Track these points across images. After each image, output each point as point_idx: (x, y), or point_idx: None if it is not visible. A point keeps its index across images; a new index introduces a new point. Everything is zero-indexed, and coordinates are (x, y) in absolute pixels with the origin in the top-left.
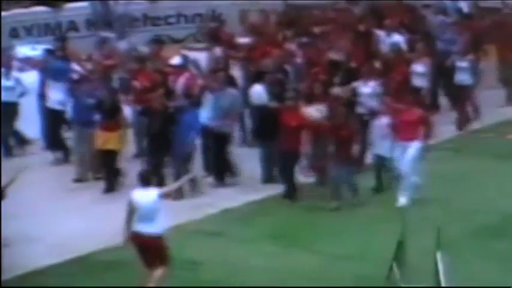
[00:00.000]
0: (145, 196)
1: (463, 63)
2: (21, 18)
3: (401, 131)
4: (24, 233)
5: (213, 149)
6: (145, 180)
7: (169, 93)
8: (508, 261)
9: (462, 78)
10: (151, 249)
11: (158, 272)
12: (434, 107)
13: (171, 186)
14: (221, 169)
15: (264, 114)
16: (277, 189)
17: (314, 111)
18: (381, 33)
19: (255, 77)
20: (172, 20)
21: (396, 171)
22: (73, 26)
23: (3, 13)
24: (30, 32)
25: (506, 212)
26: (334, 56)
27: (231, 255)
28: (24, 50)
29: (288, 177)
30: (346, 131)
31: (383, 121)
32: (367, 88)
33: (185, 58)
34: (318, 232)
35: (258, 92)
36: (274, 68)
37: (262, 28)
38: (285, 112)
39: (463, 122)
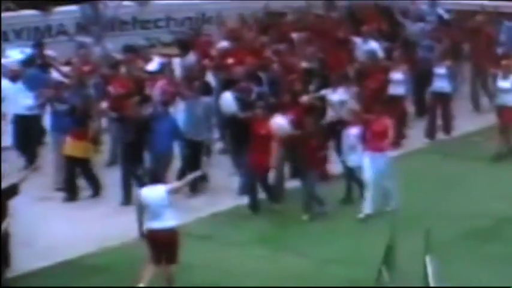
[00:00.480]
0: (154, 193)
1: (440, 70)
2: (10, 22)
3: (370, 141)
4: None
5: (187, 157)
6: (153, 178)
7: (146, 100)
8: (498, 264)
9: (440, 85)
10: (165, 245)
11: (170, 270)
12: (421, 113)
13: (180, 182)
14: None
15: (234, 123)
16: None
17: (281, 121)
18: (357, 40)
19: (226, 84)
20: (161, 23)
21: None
22: (63, 30)
23: None
24: (20, 35)
25: (496, 215)
26: (307, 63)
27: (221, 258)
28: (14, 53)
29: (252, 188)
30: (314, 140)
31: (352, 131)
32: (336, 95)
33: (163, 64)
34: (306, 236)
35: (227, 100)
36: (245, 76)
37: (239, 34)
38: (254, 122)
39: (432, 130)
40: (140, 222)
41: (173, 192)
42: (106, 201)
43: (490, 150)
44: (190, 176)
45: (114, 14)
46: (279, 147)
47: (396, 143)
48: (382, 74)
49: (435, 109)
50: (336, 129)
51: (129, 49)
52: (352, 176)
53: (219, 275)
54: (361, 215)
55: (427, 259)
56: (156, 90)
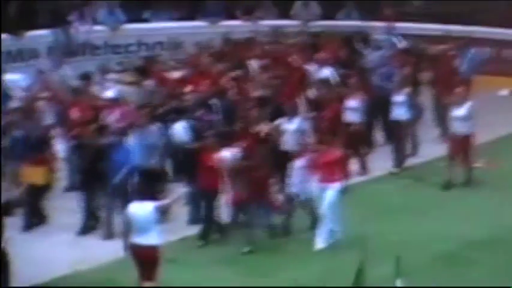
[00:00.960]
0: (141, 209)
1: (399, 98)
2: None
3: (321, 172)
4: None
5: (139, 185)
6: (141, 194)
7: (103, 128)
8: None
9: (398, 113)
10: (148, 261)
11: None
12: (368, 142)
13: (169, 200)
14: None
15: (184, 153)
16: None
17: (228, 152)
18: (311, 67)
19: (178, 113)
20: (133, 48)
21: (312, 213)
22: (35, 54)
23: None
24: None
25: (465, 238)
26: (261, 91)
27: (187, 280)
28: None
29: (205, 218)
30: (262, 171)
31: (300, 162)
32: (291, 125)
33: (119, 91)
34: (274, 260)
35: (178, 129)
36: (197, 104)
37: (196, 61)
38: (202, 152)
39: (400, 158)
40: (126, 237)
41: (161, 209)
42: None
43: (456, 175)
44: (178, 195)
45: (86, 39)
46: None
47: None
48: (337, 103)
49: (394, 137)
50: (288, 159)
51: (85, 76)
52: (298, 208)
53: None
54: (316, 247)
55: (398, 283)
56: (112, 117)
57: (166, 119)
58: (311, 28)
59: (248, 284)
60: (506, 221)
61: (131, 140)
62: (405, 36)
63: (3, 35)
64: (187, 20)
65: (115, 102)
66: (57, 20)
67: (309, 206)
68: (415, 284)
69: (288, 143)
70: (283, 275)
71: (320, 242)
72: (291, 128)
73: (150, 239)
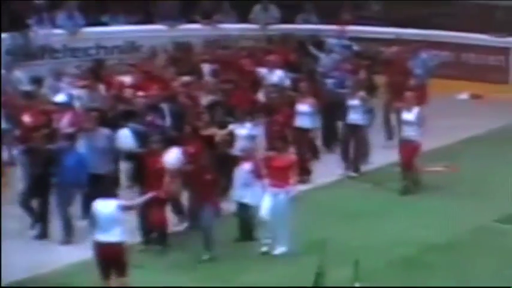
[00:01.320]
0: (105, 206)
1: (354, 102)
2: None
3: (272, 177)
4: None
5: (89, 191)
6: (106, 191)
7: (53, 133)
8: None
9: (354, 117)
10: (110, 258)
11: (117, 283)
12: (327, 146)
13: (133, 201)
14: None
15: (132, 158)
16: None
17: (173, 154)
18: (262, 70)
19: (127, 117)
20: (91, 51)
21: (260, 219)
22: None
23: None
24: None
25: (421, 243)
26: (212, 96)
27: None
28: None
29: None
30: (208, 175)
31: (246, 167)
32: (244, 130)
33: (71, 96)
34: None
35: (124, 136)
36: (146, 108)
37: (147, 65)
38: (148, 156)
39: (358, 162)
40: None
41: (124, 209)
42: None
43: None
44: (144, 197)
45: (45, 42)
46: (173, 182)
47: (304, 177)
48: (288, 107)
49: (349, 141)
50: (228, 164)
51: (36, 80)
52: (244, 213)
53: None
54: (277, 252)
55: (356, 286)
56: (63, 123)
57: (116, 123)
58: (270, 31)
59: None
60: (464, 225)
61: (81, 145)
62: (363, 39)
63: None
64: (145, 24)
65: (65, 106)
66: (16, 23)
67: (250, 214)
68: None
69: (239, 148)
70: (242, 280)
71: (281, 247)
72: (243, 133)
73: (114, 236)
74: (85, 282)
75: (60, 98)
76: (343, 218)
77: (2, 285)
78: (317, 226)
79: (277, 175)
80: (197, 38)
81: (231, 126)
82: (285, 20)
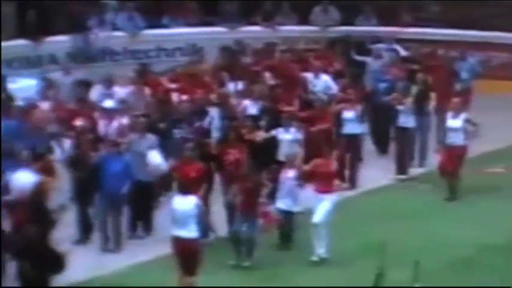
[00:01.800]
0: (184, 202)
1: (403, 106)
2: (1, 52)
3: (317, 183)
4: None
5: (134, 199)
6: (185, 188)
7: (99, 139)
8: None
9: (403, 120)
10: (187, 254)
11: (187, 281)
12: (379, 150)
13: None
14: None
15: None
16: None
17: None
18: (308, 75)
19: (173, 123)
20: (152, 53)
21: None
22: (53, 60)
23: None
24: (11, 65)
25: (481, 244)
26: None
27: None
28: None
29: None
30: (251, 181)
31: (290, 174)
32: (288, 135)
33: (120, 101)
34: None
35: (154, 160)
36: (190, 114)
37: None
38: (182, 165)
39: (405, 165)
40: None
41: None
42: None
43: (477, 180)
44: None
45: (105, 45)
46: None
47: (349, 183)
48: (333, 113)
49: (399, 144)
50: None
51: (84, 84)
52: (287, 221)
53: None
54: (314, 258)
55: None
56: (111, 128)
57: (162, 129)
58: (330, 33)
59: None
60: None
61: (127, 151)
62: (422, 41)
63: (22, 41)
64: (205, 26)
65: (113, 111)
66: (76, 26)
67: (291, 221)
68: None
69: (283, 153)
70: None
71: (323, 253)
72: (287, 137)
73: (191, 232)
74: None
75: (108, 103)
76: (399, 220)
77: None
78: (373, 229)
79: (322, 181)
80: (257, 40)
81: (274, 131)
82: (344, 22)
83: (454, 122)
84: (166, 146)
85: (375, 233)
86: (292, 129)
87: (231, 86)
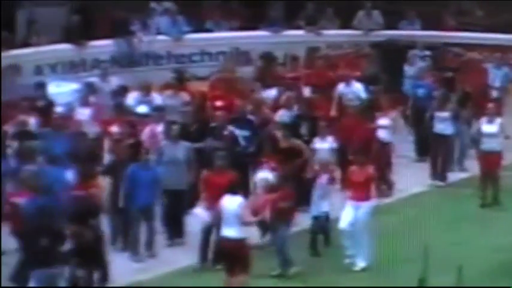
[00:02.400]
0: (232, 202)
1: (443, 114)
2: (45, 56)
3: (352, 191)
4: None
5: (166, 207)
6: (233, 188)
7: (136, 146)
8: None
9: (441, 127)
10: (234, 253)
11: (238, 280)
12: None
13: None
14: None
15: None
16: None
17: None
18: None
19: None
20: (196, 57)
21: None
22: (97, 64)
23: (27, 50)
24: (55, 69)
25: None
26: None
27: None
28: (51, 88)
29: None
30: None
31: (323, 179)
32: (325, 143)
33: (155, 107)
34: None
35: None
36: (223, 123)
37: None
38: (213, 175)
39: (443, 172)
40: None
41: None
42: None
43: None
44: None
45: (149, 49)
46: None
47: (386, 190)
48: (368, 121)
49: (437, 151)
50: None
51: (119, 89)
52: (318, 225)
53: None
54: (358, 267)
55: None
56: (144, 135)
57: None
58: (373, 38)
59: None
60: None
61: (160, 158)
62: (466, 45)
63: (67, 45)
64: (248, 30)
65: (146, 117)
66: (120, 30)
67: (324, 225)
68: None
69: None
70: None
71: (361, 261)
72: (324, 147)
73: (237, 232)
74: None
75: (141, 108)
76: (441, 226)
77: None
78: (415, 234)
79: (358, 188)
80: (300, 44)
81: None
82: (388, 26)
83: (489, 127)
84: (200, 155)
85: (417, 238)
86: (329, 138)
87: (266, 94)
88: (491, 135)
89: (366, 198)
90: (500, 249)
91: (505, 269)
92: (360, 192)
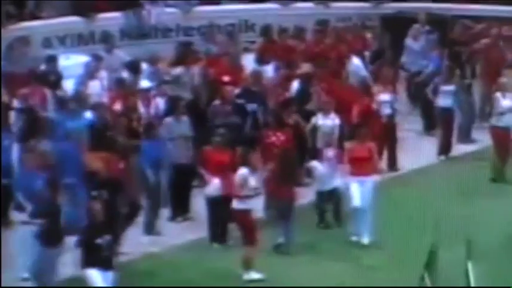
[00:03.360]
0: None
1: (447, 87)
2: (54, 28)
3: (354, 167)
4: None
5: (170, 182)
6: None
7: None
8: None
9: (445, 101)
10: (243, 224)
11: (245, 253)
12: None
13: None
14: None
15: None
16: None
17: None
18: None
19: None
20: (205, 30)
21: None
22: (106, 37)
23: (35, 23)
24: (64, 42)
25: None
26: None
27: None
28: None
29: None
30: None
31: (329, 154)
32: (328, 120)
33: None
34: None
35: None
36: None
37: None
38: (213, 152)
39: (446, 145)
40: None
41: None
42: None
43: None
44: None
45: (158, 21)
46: None
47: (391, 165)
48: (368, 96)
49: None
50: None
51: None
52: (326, 200)
53: None
54: (364, 242)
55: (469, 265)
56: (151, 108)
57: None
58: (383, 10)
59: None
60: None
61: (163, 133)
62: (476, 18)
63: (75, 18)
64: (257, 2)
65: (149, 92)
66: (129, 3)
67: (335, 199)
68: (486, 267)
69: (322, 139)
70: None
71: (366, 237)
72: (328, 123)
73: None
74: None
75: (144, 83)
76: (451, 198)
77: None
78: (425, 207)
79: (360, 164)
80: (309, 16)
81: (314, 118)
82: None
83: (504, 102)
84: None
85: (427, 211)
86: (332, 115)
87: (268, 69)
88: (510, 110)
89: (370, 173)
90: (510, 223)
91: None
92: (363, 167)
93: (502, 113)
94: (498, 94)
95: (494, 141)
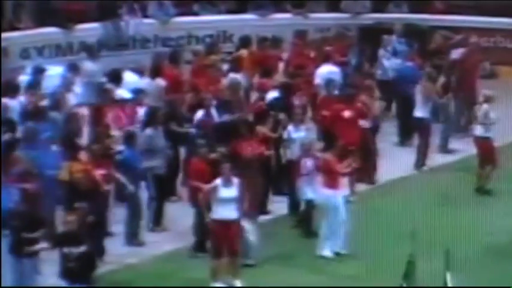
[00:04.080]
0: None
1: (420, 97)
2: (32, 39)
3: (329, 178)
4: None
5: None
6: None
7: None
8: None
9: (420, 111)
10: (224, 236)
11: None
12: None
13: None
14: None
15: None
16: None
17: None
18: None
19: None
20: (183, 41)
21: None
22: (84, 47)
23: (14, 33)
24: (42, 52)
25: None
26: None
27: None
28: None
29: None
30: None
31: (307, 163)
32: (300, 133)
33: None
34: None
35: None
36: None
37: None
38: (197, 162)
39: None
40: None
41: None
42: None
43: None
44: None
45: (136, 32)
46: None
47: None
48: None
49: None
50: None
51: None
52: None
53: None
54: (325, 253)
55: (448, 276)
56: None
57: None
58: (361, 21)
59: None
60: None
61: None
62: (454, 29)
63: (54, 28)
64: (236, 13)
65: (125, 102)
66: (107, 13)
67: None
68: (465, 277)
69: (294, 151)
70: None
71: (326, 250)
72: (300, 136)
73: (229, 213)
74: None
75: (123, 93)
76: (430, 208)
77: None
78: (404, 218)
79: (335, 176)
80: (288, 27)
81: (287, 130)
82: (376, 9)
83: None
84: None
85: (406, 222)
86: (303, 127)
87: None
88: (492, 122)
89: (343, 186)
90: (491, 232)
91: (495, 252)
92: (338, 180)
93: (492, 124)
94: (486, 106)
95: (482, 152)
